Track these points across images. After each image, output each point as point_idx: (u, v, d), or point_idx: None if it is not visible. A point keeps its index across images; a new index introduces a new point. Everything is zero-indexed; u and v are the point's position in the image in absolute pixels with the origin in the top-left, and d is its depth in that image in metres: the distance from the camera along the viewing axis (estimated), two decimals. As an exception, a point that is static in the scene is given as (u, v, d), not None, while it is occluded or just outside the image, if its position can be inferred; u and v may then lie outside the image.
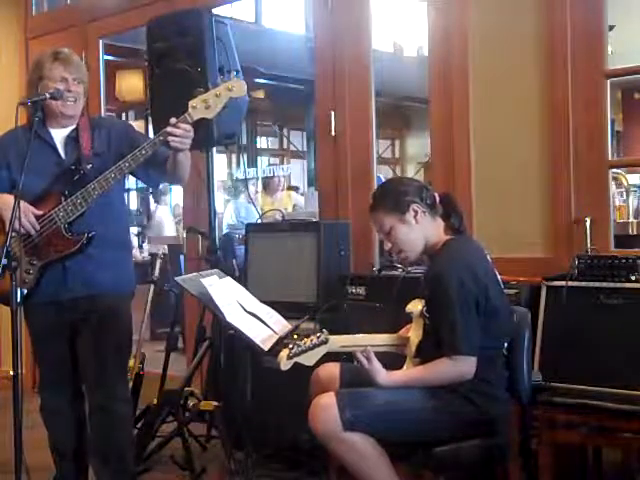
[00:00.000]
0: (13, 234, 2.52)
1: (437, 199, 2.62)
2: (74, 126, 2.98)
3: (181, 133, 2.71)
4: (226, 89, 2.70)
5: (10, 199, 2.73)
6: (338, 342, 2.47)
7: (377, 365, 2.44)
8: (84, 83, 2.97)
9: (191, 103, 2.71)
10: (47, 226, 2.82)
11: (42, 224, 2.82)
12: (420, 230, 2.56)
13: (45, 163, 2.89)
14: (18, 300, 2.47)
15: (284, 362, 2.33)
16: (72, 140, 2.96)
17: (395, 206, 2.55)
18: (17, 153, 2.86)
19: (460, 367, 2.42)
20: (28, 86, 2.97)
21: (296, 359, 2.35)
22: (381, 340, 2.62)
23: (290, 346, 2.34)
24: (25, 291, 2.73)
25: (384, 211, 2.58)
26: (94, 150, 2.92)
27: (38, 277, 2.85)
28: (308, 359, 2.38)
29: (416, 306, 2.62)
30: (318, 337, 2.39)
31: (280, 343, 2.52)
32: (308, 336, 2.41)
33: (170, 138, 2.72)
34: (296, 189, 9.49)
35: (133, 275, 3.13)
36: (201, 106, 2.70)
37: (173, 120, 2.72)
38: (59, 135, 2.97)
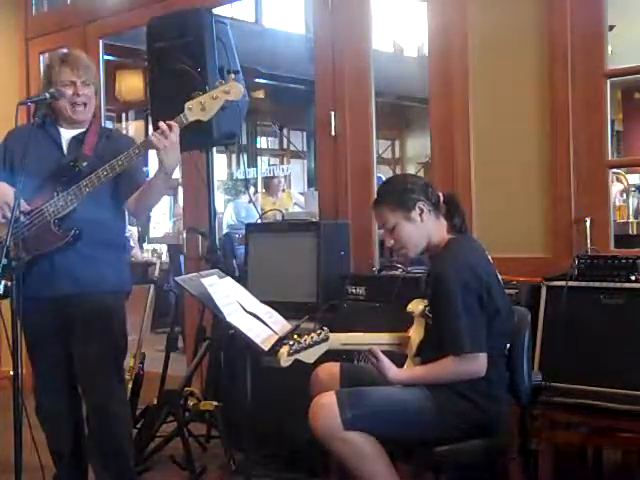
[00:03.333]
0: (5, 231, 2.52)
1: (441, 199, 2.62)
2: (84, 129, 3.00)
3: (163, 128, 2.70)
4: (223, 92, 2.71)
5: (4, 188, 2.77)
6: (339, 340, 2.47)
7: (386, 361, 2.44)
8: (94, 84, 2.97)
9: (187, 105, 2.72)
10: (37, 220, 2.83)
11: (32, 218, 2.83)
12: (424, 228, 2.56)
13: (47, 160, 2.92)
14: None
15: (284, 358, 2.32)
16: (78, 141, 2.98)
17: (401, 203, 2.55)
18: (23, 149, 2.87)
19: (468, 365, 2.42)
20: (42, 89, 2.99)
21: (296, 356, 2.35)
22: (382, 339, 2.62)
23: (291, 343, 2.34)
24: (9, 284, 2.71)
25: (390, 207, 2.57)
26: (95, 153, 2.93)
27: (24, 271, 2.84)
28: (308, 356, 2.38)
29: (417, 306, 2.62)
30: (319, 334, 2.39)
31: (280, 343, 2.52)
32: (309, 333, 2.40)
33: (152, 133, 2.72)
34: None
35: (127, 275, 3.12)
36: (197, 108, 2.71)
37: (162, 124, 2.72)
38: (67, 135, 3.00)
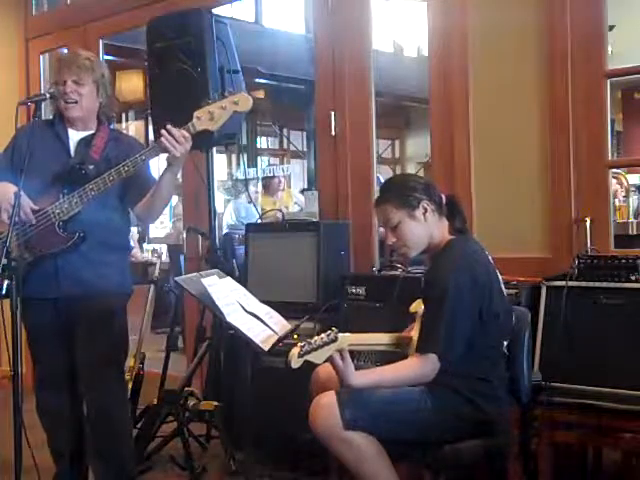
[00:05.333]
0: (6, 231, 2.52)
1: (443, 200, 2.62)
2: (93, 131, 3.00)
3: (177, 136, 2.70)
4: (232, 103, 2.70)
5: (8, 187, 2.75)
6: (347, 340, 2.45)
7: (351, 368, 2.40)
8: (90, 84, 2.94)
9: (196, 114, 2.71)
10: (42, 222, 2.83)
11: (37, 219, 2.83)
12: (427, 228, 2.56)
13: (54, 160, 2.92)
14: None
15: (295, 360, 2.31)
16: (86, 143, 2.98)
17: (405, 201, 2.54)
18: (29, 147, 2.86)
19: (423, 367, 2.40)
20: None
21: (307, 357, 2.33)
22: (387, 339, 2.61)
23: (301, 344, 2.33)
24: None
25: (393, 205, 2.56)
26: (103, 156, 2.93)
27: (27, 271, 2.84)
28: (318, 357, 2.36)
29: (420, 306, 2.62)
30: (328, 335, 2.38)
31: (280, 343, 2.52)
32: (318, 334, 2.40)
33: (164, 136, 2.70)
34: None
35: (129, 277, 3.12)
36: (205, 117, 2.70)
37: (169, 127, 2.72)
38: (75, 136, 3.00)
